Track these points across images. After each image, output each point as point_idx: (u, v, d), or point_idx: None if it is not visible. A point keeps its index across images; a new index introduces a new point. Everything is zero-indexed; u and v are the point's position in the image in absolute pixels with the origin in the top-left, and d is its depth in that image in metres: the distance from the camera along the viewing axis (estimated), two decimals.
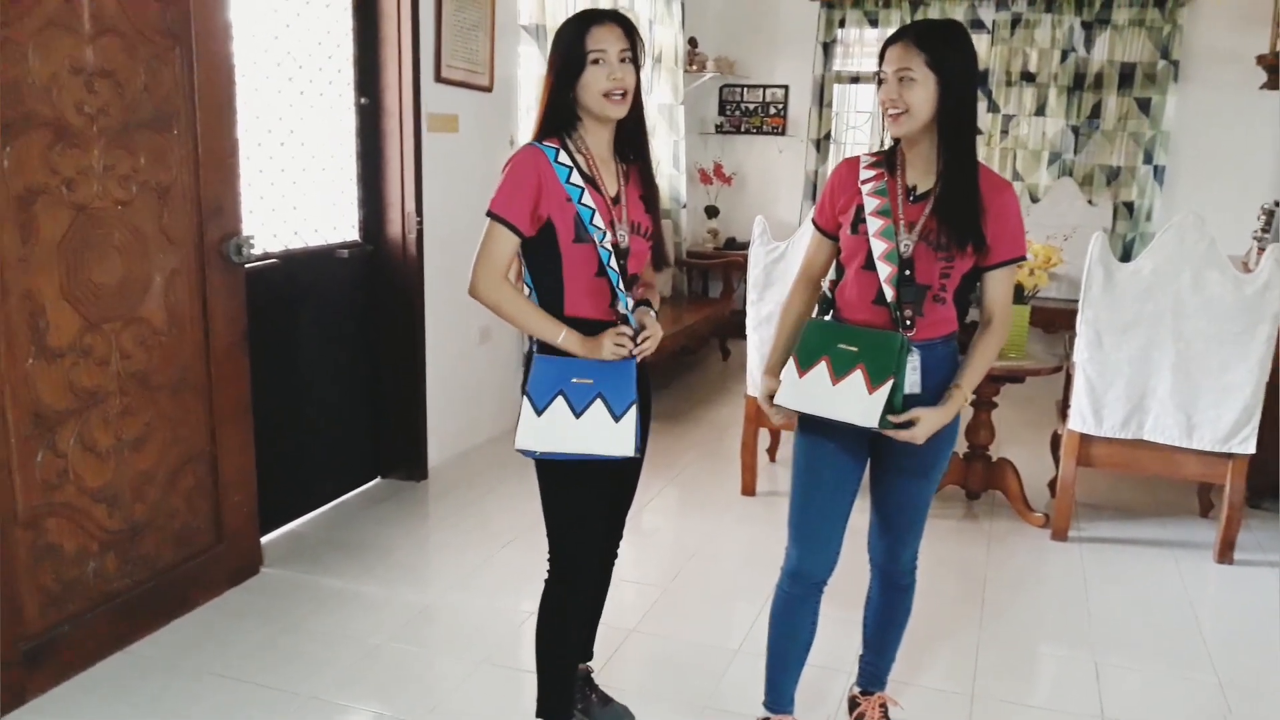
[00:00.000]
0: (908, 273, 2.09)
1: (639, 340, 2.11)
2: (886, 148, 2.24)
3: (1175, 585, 3.44)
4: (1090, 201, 6.57)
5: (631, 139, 2.20)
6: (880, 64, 2.09)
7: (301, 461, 3.73)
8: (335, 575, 3.32)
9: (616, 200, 2.14)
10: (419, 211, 4.00)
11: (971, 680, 2.80)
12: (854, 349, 2.12)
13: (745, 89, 7.36)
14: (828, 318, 2.26)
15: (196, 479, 3.03)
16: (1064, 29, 6.52)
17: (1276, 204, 4.95)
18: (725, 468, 4.40)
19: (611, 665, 2.76)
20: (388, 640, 2.92)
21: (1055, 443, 4.29)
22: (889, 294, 2.11)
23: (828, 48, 7.15)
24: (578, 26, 2.08)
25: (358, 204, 3.93)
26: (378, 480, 4.20)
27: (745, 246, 7.13)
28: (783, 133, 7.32)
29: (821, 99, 7.21)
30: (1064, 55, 6.52)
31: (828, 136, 7.27)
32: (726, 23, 7.19)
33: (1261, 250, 4.63)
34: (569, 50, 2.07)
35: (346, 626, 2.99)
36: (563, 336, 2.10)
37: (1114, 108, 6.49)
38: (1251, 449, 3.42)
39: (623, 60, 2.07)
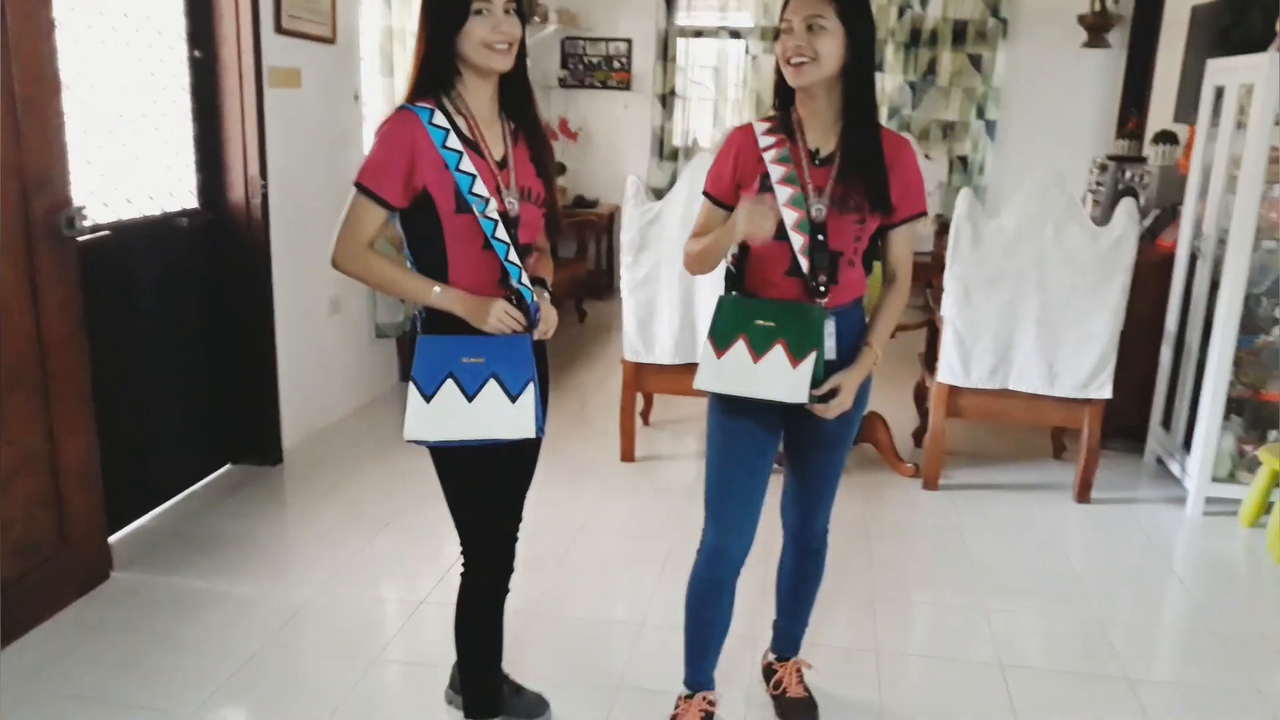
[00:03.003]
0: (820, 238, 2.04)
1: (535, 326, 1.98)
2: (773, 112, 2.14)
3: (1043, 526, 3.60)
4: (927, 156, 6.76)
5: (517, 96, 2.04)
6: (784, 13, 2.00)
7: (144, 452, 3.39)
8: (194, 575, 3.05)
9: (503, 164, 1.98)
10: (263, 174, 3.68)
11: (873, 635, 2.84)
12: (771, 324, 2.06)
13: (588, 42, 7.19)
14: (733, 293, 2.17)
15: (34, 482, 2.70)
16: None
17: (1109, 158, 5.21)
18: (598, 434, 4.32)
19: (515, 651, 2.64)
20: (266, 645, 2.70)
21: (919, 394, 4.41)
22: (804, 264, 2.05)
23: (670, 1, 7.06)
24: None
25: (195, 167, 3.58)
26: (228, 467, 3.89)
27: (594, 205, 7.06)
28: (628, 88, 7.20)
29: (665, 53, 7.13)
30: (901, 11, 6.67)
31: (673, 92, 7.21)
32: None
33: (1098, 203, 4.88)
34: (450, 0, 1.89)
35: (217, 633, 2.74)
36: (437, 291, 1.94)
37: (949, 64, 6.70)
38: (1108, 394, 3.60)
39: (507, 11, 1.91)
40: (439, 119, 1.91)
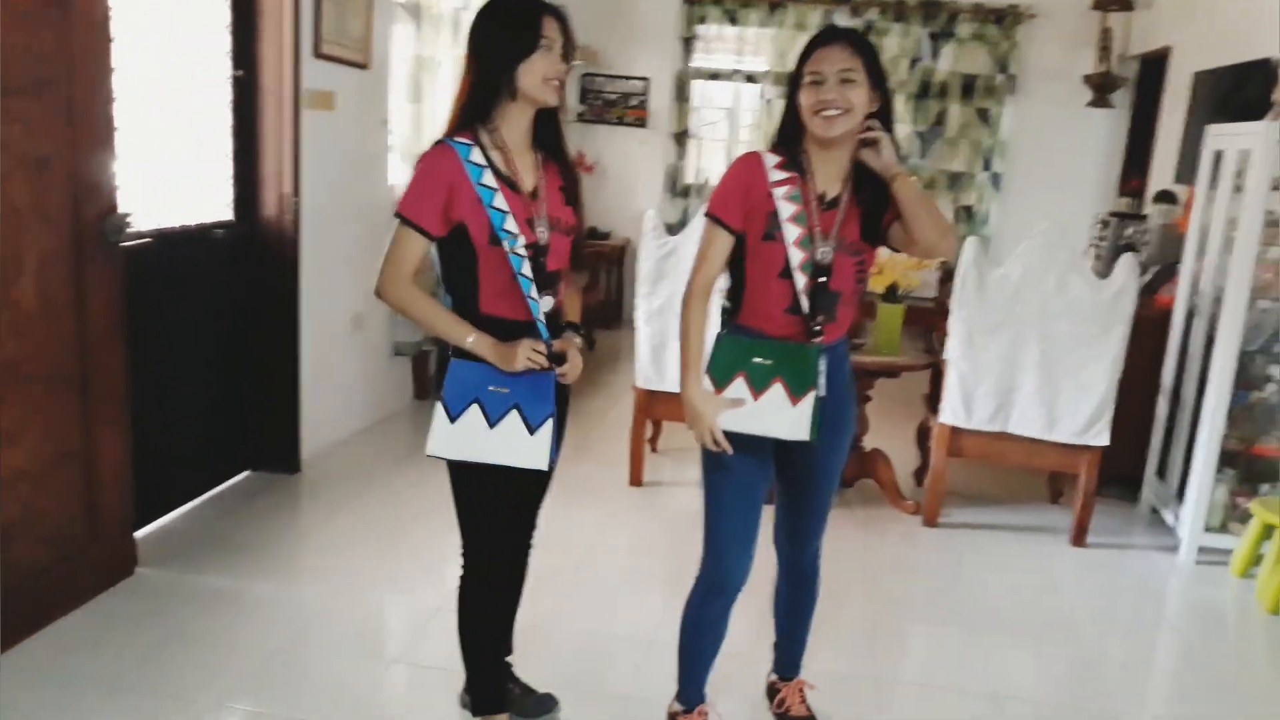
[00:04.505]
0: (823, 279, 2.12)
1: (559, 368, 2.09)
2: (772, 146, 2.18)
3: (1038, 567, 3.69)
4: None
5: (551, 130, 2.15)
6: (805, 65, 2.07)
7: (170, 453, 3.49)
8: (216, 574, 3.14)
9: (535, 195, 2.09)
10: (296, 192, 3.81)
11: (872, 662, 2.93)
12: (769, 362, 2.13)
13: (606, 79, 7.37)
14: (728, 331, 2.23)
15: (70, 477, 2.80)
16: (912, 39, 6.86)
17: (1111, 214, 5.36)
18: (607, 460, 4.42)
19: (525, 663, 2.72)
20: (282, 643, 2.78)
21: (921, 434, 4.52)
22: (804, 303, 2.12)
23: (688, 43, 7.25)
24: (531, 11, 2.02)
25: (232, 182, 3.71)
26: (247, 473, 3.99)
27: (607, 236, 7.21)
28: (644, 125, 7.37)
29: (681, 94, 7.31)
30: (912, 64, 6.85)
31: (687, 131, 7.38)
32: (589, 12, 7.16)
33: (1099, 257, 5.02)
34: (521, 31, 2.00)
35: (236, 629, 2.83)
36: (472, 340, 2.05)
37: (957, 116, 6.88)
38: (1105, 440, 3.70)
39: (564, 55, 2.05)
40: (476, 156, 2.01)
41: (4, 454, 2.55)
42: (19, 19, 2.45)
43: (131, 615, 2.86)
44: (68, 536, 2.81)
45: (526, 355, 2.03)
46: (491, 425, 2.06)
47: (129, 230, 2.89)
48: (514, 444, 2.06)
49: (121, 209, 2.88)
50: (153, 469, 3.32)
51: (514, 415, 2.06)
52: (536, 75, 2.01)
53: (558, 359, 2.10)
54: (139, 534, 3.24)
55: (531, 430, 2.07)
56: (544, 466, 2.08)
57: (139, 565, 3.10)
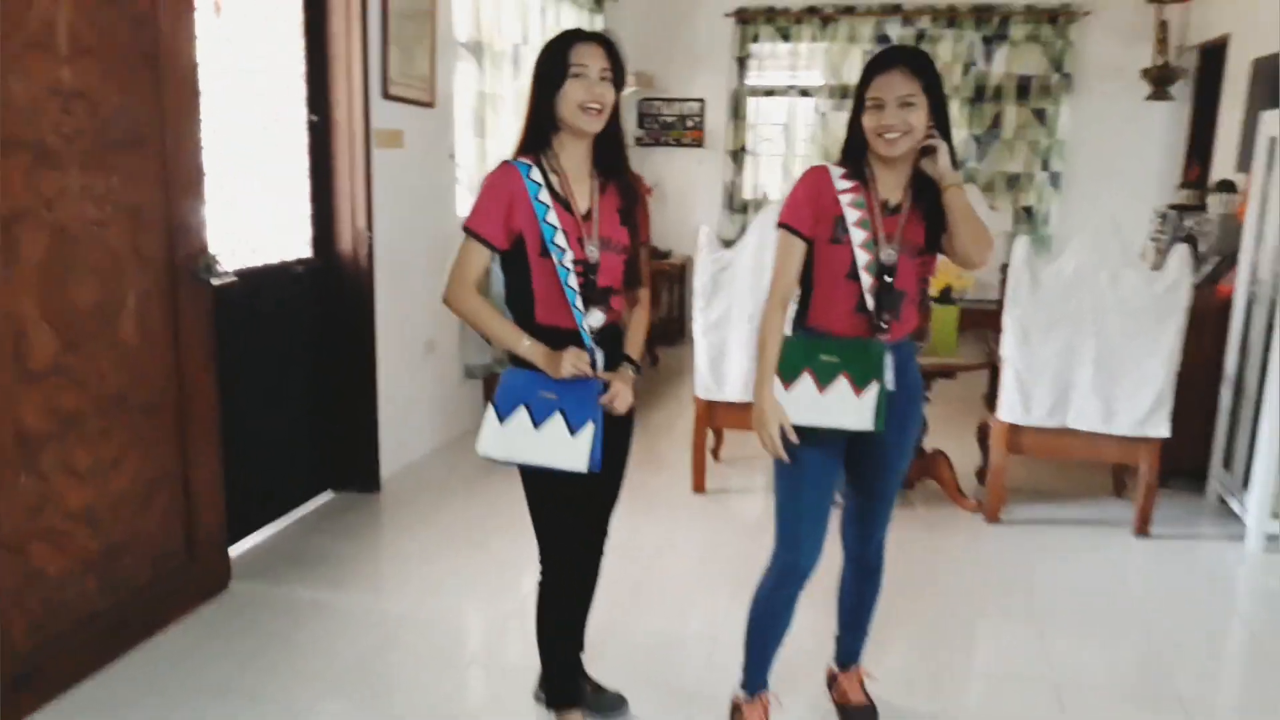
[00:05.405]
0: (888, 279, 2.25)
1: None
2: (836, 160, 2.33)
3: (1101, 559, 3.72)
4: (992, 207, 6.93)
5: (609, 154, 2.28)
6: (866, 90, 2.20)
7: (257, 476, 3.72)
8: (305, 587, 3.34)
9: (588, 216, 2.23)
10: (369, 226, 4.04)
11: (935, 655, 3.00)
12: (835, 359, 2.27)
13: (663, 103, 7.54)
14: (799, 333, 2.36)
15: (169, 498, 3.02)
16: (965, 44, 6.90)
17: (1170, 207, 5.34)
18: (670, 469, 4.55)
19: (595, 662, 2.85)
20: (373, 650, 2.97)
21: (982, 433, 4.55)
22: (870, 302, 2.26)
23: (742, 62, 7.39)
24: (563, 42, 2.19)
25: (310, 220, 3.95)
26: (330, 493, 4.21)
27: (668, 255, 7.36)
28: (701, 145, 7.52)
29: (736, 112, 7.45)
30: (966, 69, 6.89)
31: (743, 149, 7.51)
32: (645, 38, 7.36)
33: (1160, 251, 5.01)
34: (552, 63, 2.17)
35: (328, 638, 3.02)
36: (526, 345, 2.21)
37: (1013, 118, 6.90)
38: (1165, 432, 3.72)
39: (603, 78, 2.17)
40: (535, 174, 2.19)
41: (111, 478, 2.78)
42: (117, 79, 2.69)
43: (228, 627, 3.07)
44: (168, 554, 3.04)
45: (571, 362, 2.17)
46: (536, 427, 2.20)
47: (218, 269, 3.12)
48: (556, 446, 2.19)
49: (210, 249, 3.12)
50: (242, 491, 3.54)
51: (557, 418, 2.20)
52: (571, 103, 2.15)
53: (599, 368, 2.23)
54: (232, 551, 3.47)
55: (573, 432, 2.19)
56: (583, 468, 2.18)
57: (233, 580, 3.32)
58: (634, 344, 2.38)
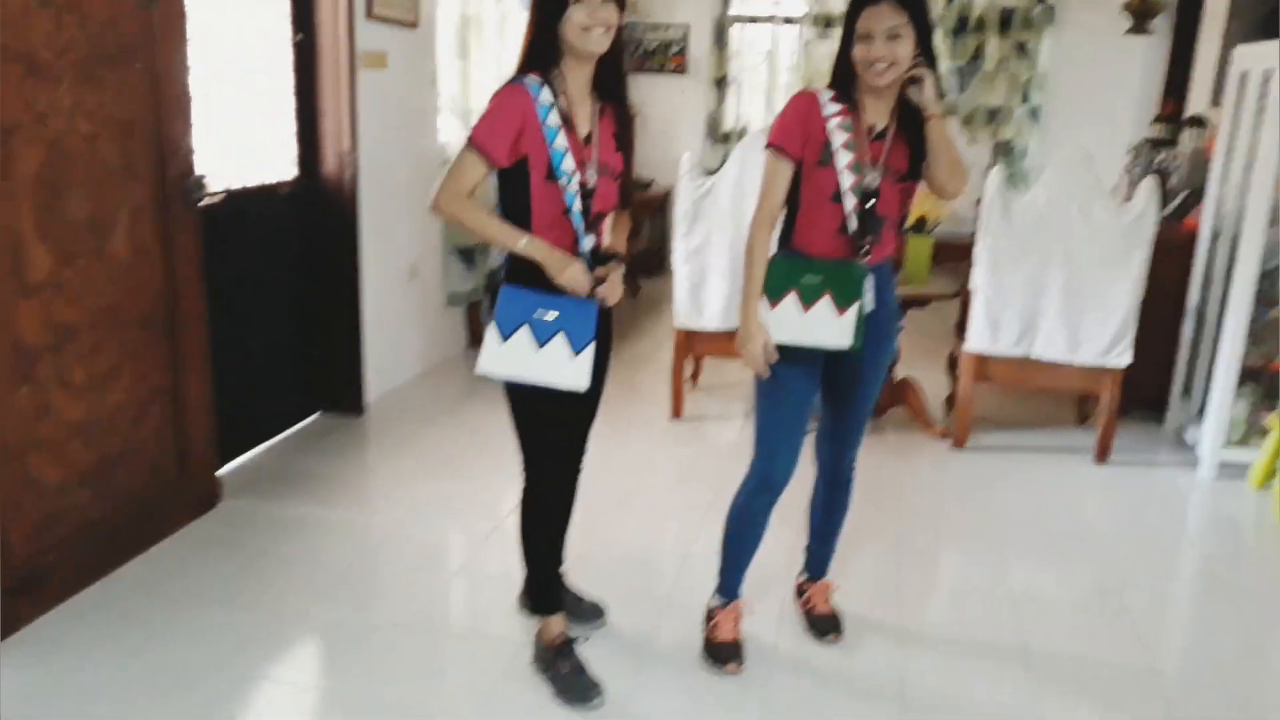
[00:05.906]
0: (872, 203, 2.33)
1: (596, 288, 2.26)
2: (825, 85, 2.38)
3: (1062, 485, 3.87)
4: (972, 142, 6.99)
5: (609, 77, 2.29)
6: (856, 23, 2.25)
7: (245, 397, 3.79)
8: (293, 503, 3.44)
9: (588, 140, 2.25)
10: (354, 148, 4.06)
11: (898, 570, 3.15)
12: (818, 279, 2.35)
13: (648, 29, 7.49)
14: (783, 253, 2.44)
15: (162, 413, 3.10)
16: None
17: (1145, 141, 5.42)
18: (649, 397, 4.66)
19: (574, 574, 2.98)
20: (360, 561, 3.08)
21: (952, 363, 4.68)
22: (853, 224, 2.34)
23: None
24: None
25: (296, 141, 3.97)
26: (318, 415, 4.30)
27: (649, 185, 7.37)
28: (684, 73, 7.50)
29: (720, 40, 7.42)
30: (949, 0, 6.88)
31: (726, 77, 7.50)
32: None
33: (1131, 184, 5.10)
34: None
35: (316, 550, 3.13)
36: (525, 242, 2.21)
37: (995, 50, 6.91)
38: (1127, 361, 3.85)
39: (616, 1, 2.18)
40: (545, 95, 2.18)
41: (106, 392, 2.85)
42: None
43: (220, 540, 3.17)
44: (161, 467, 3.12)
45: (574, 276, 2.21)
46: (540, 347, 2.24)
47: (207, 188, 3.15)
48: (559, 366, 2.24)
49: (197, 171, 3.15)
50: (231, 411, 3.61)
51: (560, 338, 2.25)
52: (575, 25, 2.15)
53: (598, 282, 2.28)
54: (222, 470, 3.56)
55: (575, 353, 2.25)
56: (583, 387, 2.26)
57: (223, 497, 3.42)
58: (618, 239, 2.42)
